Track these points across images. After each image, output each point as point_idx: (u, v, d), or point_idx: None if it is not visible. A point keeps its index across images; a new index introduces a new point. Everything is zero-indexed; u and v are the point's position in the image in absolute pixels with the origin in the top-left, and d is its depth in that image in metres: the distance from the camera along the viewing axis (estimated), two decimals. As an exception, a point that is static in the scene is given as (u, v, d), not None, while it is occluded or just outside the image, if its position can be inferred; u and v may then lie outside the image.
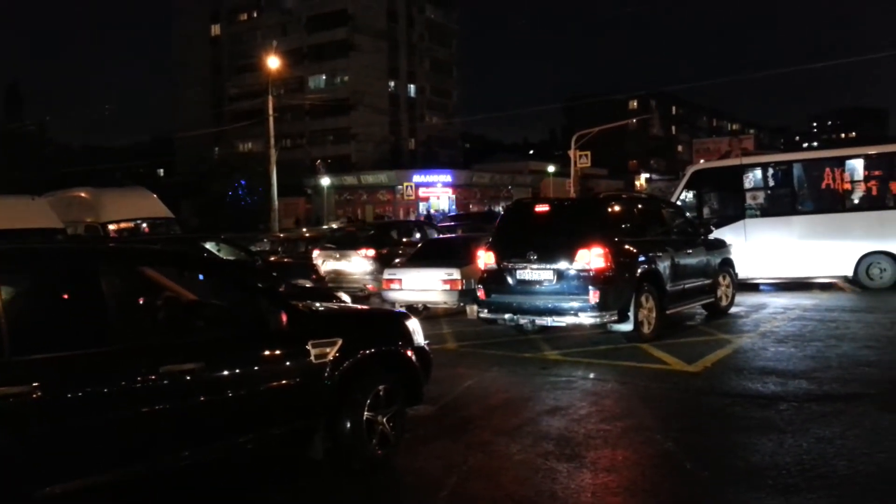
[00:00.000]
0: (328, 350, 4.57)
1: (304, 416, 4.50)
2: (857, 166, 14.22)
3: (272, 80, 35.20)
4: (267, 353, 4.37)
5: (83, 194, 19.96)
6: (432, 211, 49.21)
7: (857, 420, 5.64)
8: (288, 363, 4.44)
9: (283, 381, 4.39)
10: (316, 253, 15.79)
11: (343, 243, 16.16)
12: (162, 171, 74.78)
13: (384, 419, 4.91)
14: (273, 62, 34.57)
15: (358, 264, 15.05)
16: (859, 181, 14.22)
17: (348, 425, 4.67)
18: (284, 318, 4.41)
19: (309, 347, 4.48)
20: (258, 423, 4.29)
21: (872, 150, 14.47)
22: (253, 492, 4.65)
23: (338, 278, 14.88)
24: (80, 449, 3.53)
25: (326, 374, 4.54)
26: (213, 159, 64.12)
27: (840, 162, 14.30)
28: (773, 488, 4.33)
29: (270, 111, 33.49)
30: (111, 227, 18.47)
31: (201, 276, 4.82)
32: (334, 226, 32.41)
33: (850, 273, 13.87)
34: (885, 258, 13.62)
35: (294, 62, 60.70)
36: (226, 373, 4.14)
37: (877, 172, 14.11)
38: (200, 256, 6.46)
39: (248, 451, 4.26)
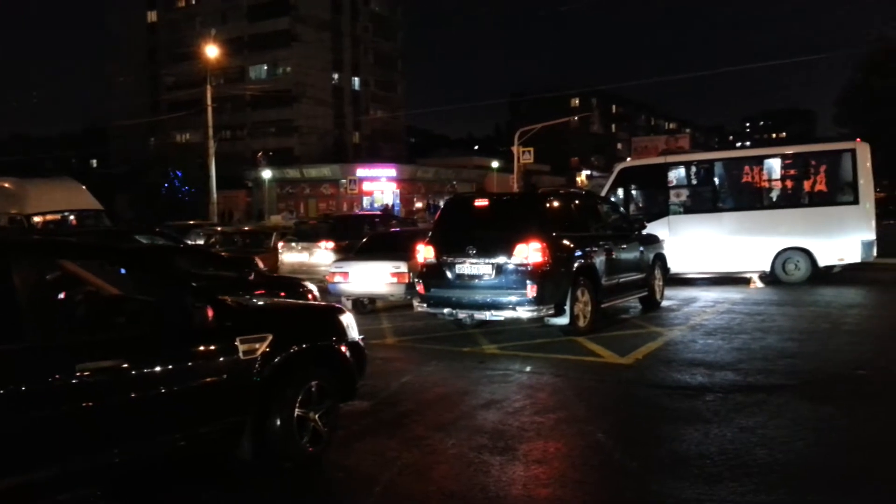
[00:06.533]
0: (257, 346, 4.47)
1: (233, 413, 4.40)
2: (774, 166, 14.88)
3: (211, 69, 34.33)
4: (192, 349, 4.24)
5: (7, 185, 19.00)
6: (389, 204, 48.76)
7: (778, 410, 5.87)
8: (215, 359, 4.32)
9: (210, 378, 4.27)
10: (280, 245, 16.21)
11: (304, 236, 16.52)
12: (95, 161, 72.12)
13: (316, 416, 4.85)
14: (212, 51, 33.74)
15: (320, 256, 15.26)
16: (776, 180, 14.86)
17: (278, 422, 4.59)
18: (211, 312, 4.28)
19: (237, 343, 4.37)
20: (185, 422, 4.17)
21: (789, 150, 15.14)
22: (180, 490, 4.52)
23: (300, 270, 15.07)
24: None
25: (256, 371, 4.44)
26: (148, 150, 62.17)
27: (758, 161, 14.94)
28: (697, 477, 4.46)
29: (209, 101, 32.70)
30: (36, 218, 17.69)
31: (123, 270, 4.64)
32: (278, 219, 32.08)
33: (767, 268, 14.49)
34: (800, 254, 14.30)
35: (234, 51, 59.10)
36: (148, 370, 4.00)
37: (792, 172, 14.79)
38: (122, 249, 6.23)
39: (179, 449, 4.14)
